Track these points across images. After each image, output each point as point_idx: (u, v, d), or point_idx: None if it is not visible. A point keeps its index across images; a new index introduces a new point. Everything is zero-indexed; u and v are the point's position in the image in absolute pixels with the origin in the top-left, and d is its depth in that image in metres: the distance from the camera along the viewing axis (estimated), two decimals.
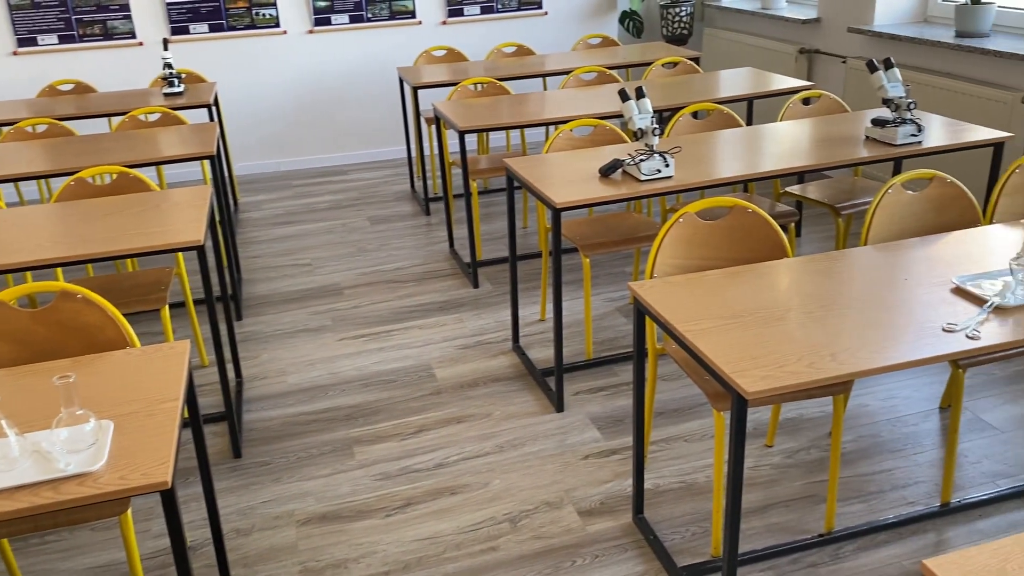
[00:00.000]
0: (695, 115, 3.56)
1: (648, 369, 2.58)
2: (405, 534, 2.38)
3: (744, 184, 3.76)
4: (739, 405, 1.71)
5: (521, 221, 4.70)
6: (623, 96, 2.79)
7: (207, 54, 5.59)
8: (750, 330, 1.87)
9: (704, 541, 2.28)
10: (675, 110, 3.69)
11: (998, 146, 3.04)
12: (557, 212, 2.66)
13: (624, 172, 2.87)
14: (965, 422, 2.72)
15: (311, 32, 5.69)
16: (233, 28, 5.59)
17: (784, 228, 3.28)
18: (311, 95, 5.82)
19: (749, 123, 4.30)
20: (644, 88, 2.93)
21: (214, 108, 5.11)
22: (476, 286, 3.88)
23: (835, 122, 3.37)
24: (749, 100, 4.08)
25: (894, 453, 2.59)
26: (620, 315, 3.55)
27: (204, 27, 5.55)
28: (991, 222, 2.57)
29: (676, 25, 6.08)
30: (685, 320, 1.93)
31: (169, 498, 1.55)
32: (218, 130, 3.76)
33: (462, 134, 3.63)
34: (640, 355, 2.20)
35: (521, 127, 3.68)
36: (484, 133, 5.06)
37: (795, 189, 3.53)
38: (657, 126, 2.75)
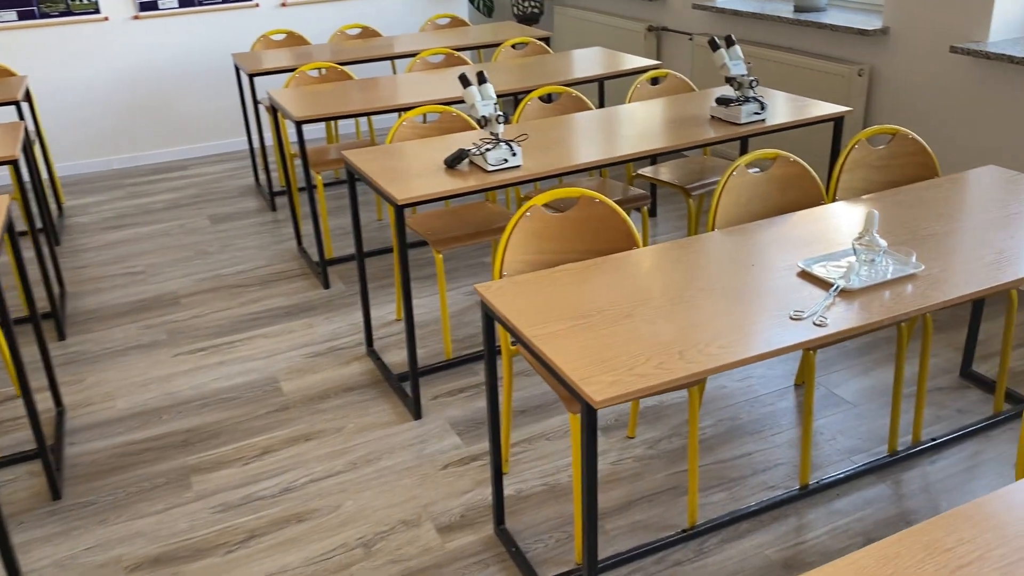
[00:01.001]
0: (548, 98, 3.45)
1: (503, 369, 2.46)
2: (249, 571, 2.17)
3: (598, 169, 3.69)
4: (588, 414, 1.61)
5: (375, 213, 4.49)
6: (464, 82, 2.64)
7: (16, 45, 5.05)
8: (599, 330, 1.76)
9: (568, 548, 2.19)
10: (526, 93, 3.58)
11: (838, 121, 3.07)
12: (400, 209, 2.49)
13: (471, 162, 2.73)
14: (819, 398, 2.74)
15: (136, 18, 5.24)
16: (46, 15, 5.08)
17: (637, 211, 3.23)
18: (141, 86, 5.38)
19: (601, 103, 4.24)
20: (485, 73, 2.80)
21: (25, 104, 4.64)
22: (327, 286, 3.66)
23: (682, 102, 3.34)
24: (600, 81, 4.02)
25: (753, 435, 2.58)
26: (480, 310, 3.42)
27: (11, 15, 5.01)
28: (834, 199, 2.58)
29: (527, 4, 5.97)
30: (533, 324, 1.81)
31: None
32: (29, 128, 3.36)
33: (299, 124, 3.39)
34: (492, 359, 2.07)
35: (363, 115, 3.47)
36: (334, 121, 4.81)
37: (647, 171, 3.48)
38: (501, 113, 2.62)
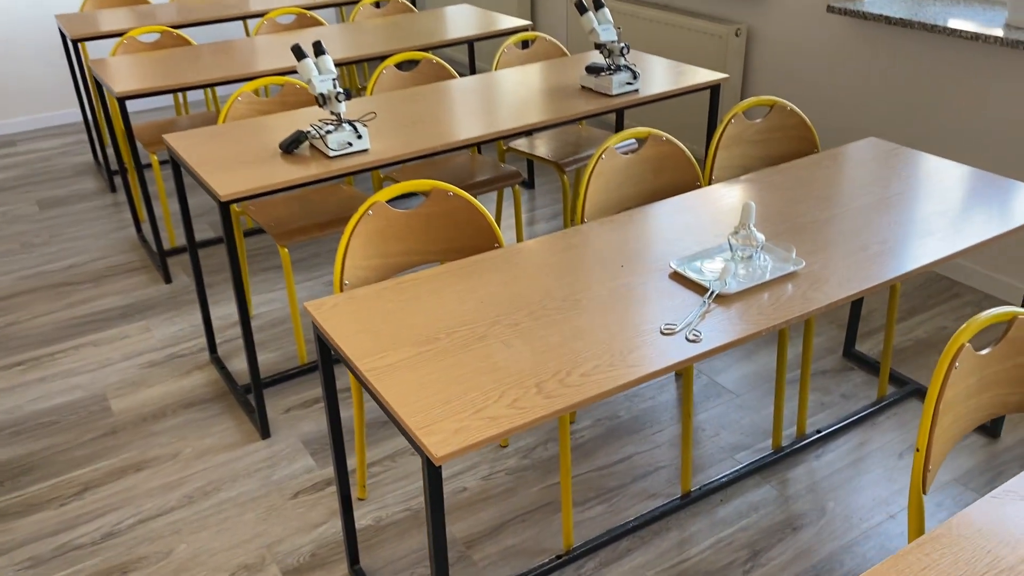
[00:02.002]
0: (417, 63, 3.14)
1: (351, 382, 2.19)
2: None
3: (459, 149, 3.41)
4: (431, 471, 1.36)
5: None
6: (298, 53, 2.30)
7: None
8: (447, 358, 1.51)
9: None
10: (386, 58, 3.25)
11: (715, 89, 2.89)
12: (224, 206, 2.16)
13: (312, 146, 2.40)
14: (700, 388, 2.59)
15: None
16: None
17: (510, 188, 2.99)
18: None
19: (472, 68, 3.94)
20: (323, 43, 2.47)
21: None
22: (168, 281, 3.28)
23: (553, 69, 3.08)
24: (469, 43, 3.72)
25: (633, 435, 2.41)
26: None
27: None
28: (710, 180, 2.39)
29: None
30: (371, 353, 1.54)
31: None
32: None
33: (121, 100, 2.97)
34: (328, 372, 1.79)
35: (195, 88, 3.06)
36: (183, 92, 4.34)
37: (520, 144, 3.23)
38: (342, 90, 2.30)
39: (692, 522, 2.10)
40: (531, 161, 4.10)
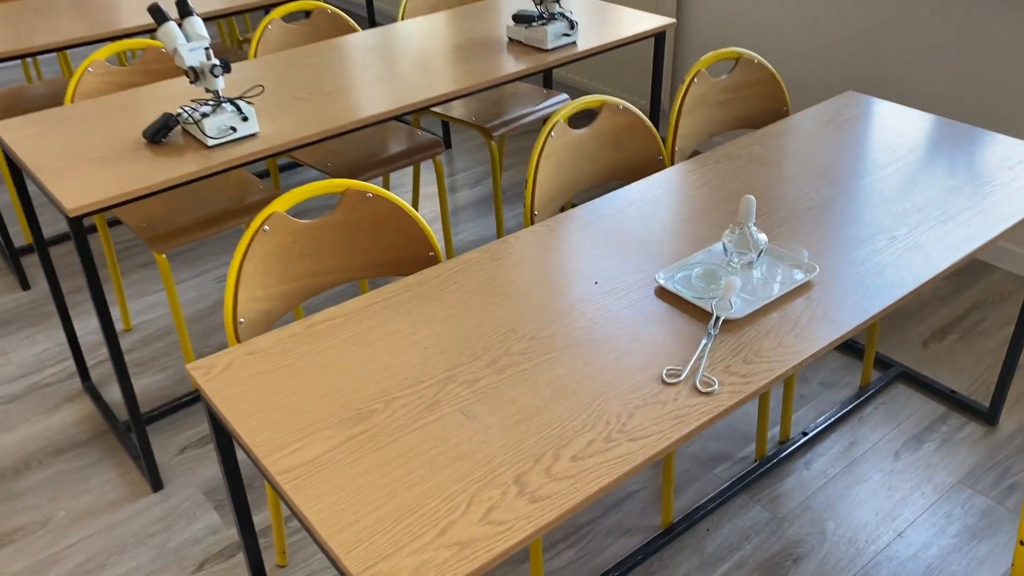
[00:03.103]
0: (308, 14, 2.64)
1: None
2: None
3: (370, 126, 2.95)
4: None
5: None
6: (157, 15, 1.81)
7: None
8: (388, 445, 1.13)
9: None
10: (268, 8, 2.75)
11: (659, 37, 2.51)
12: (76, 223, 1.68)
13: (186, 131, 1.93)
14: None
15: None
16: None
17: (431, 158, 2.56)
18: None
19: (370, 13, 3.44)
20: (190, 2, 1.97)
21: None
22: (26, 287, 2.74)
23: (471, 16, 2.64)
24: None
25: None
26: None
27: None
28: (674, 153, 2.03)
29: None
30: (282, 443, 1.14)
31: None
32: None
33: None
34: (225, 446, 1.39)
35: (33, 54, 2.49)
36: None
37: (437, 107, 2.78)
38: (218, 62, 1.82)
39: (678, 561, 1.80)
40: (447, 127, 3.66)
